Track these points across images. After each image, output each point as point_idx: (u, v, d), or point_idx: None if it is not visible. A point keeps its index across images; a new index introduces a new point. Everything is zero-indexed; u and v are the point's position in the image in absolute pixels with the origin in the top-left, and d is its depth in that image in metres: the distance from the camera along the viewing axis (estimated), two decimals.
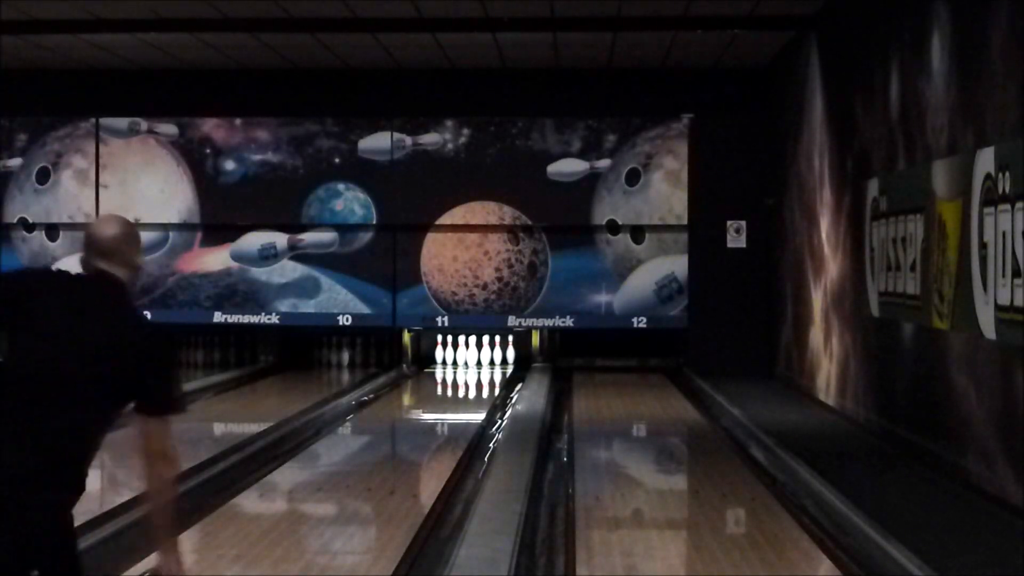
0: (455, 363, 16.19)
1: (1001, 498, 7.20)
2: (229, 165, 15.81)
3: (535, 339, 16.17)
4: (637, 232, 15.57)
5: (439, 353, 16.25)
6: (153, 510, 3.97)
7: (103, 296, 4.04)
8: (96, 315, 3.98)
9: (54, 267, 4.27)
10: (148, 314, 14.59)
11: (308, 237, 15.77)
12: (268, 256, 15.76)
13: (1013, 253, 6.94)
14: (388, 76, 15.55)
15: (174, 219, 15.70)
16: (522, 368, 15.80)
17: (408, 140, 15.71)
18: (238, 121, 15.84)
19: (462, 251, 15.68)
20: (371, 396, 13.49)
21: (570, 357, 16.15)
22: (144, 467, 4.00)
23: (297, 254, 15.80)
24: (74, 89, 15.69)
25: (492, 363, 16.18)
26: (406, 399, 14.25)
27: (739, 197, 15.24)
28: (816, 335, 12.45)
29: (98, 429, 3.95)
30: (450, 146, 15.70)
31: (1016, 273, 6.90)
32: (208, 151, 15.81)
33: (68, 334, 3.92)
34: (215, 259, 15.70)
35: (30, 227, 15.87)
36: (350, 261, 15.77)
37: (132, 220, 4.40)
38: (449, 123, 15.71)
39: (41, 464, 3.79)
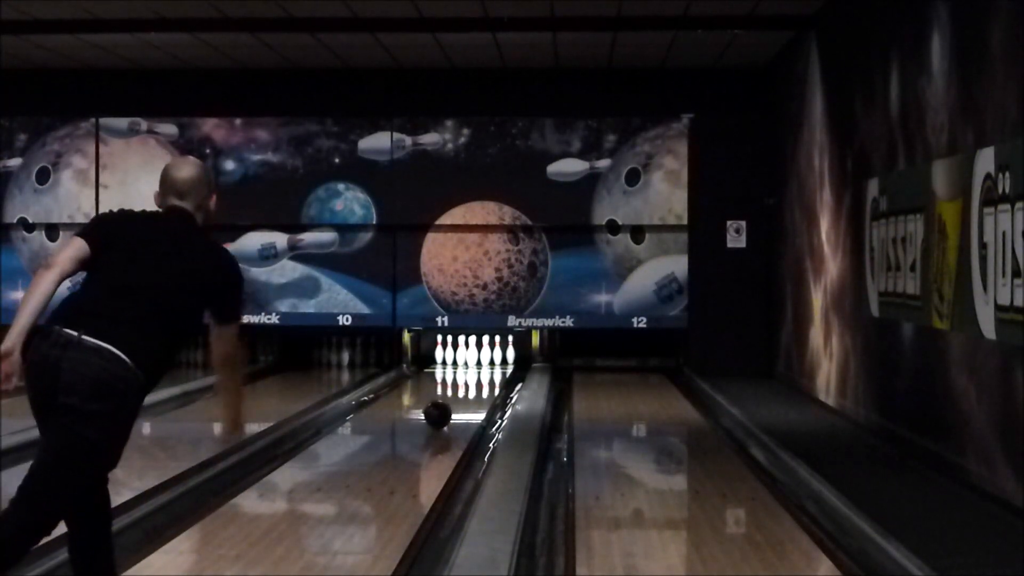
0: (455, 363, 16.19)
1: (1001, 498, 7.20)
2: (229, 165, 15.81)
3: (535, 339, 16.17)
4: (637, 232, 15.58)
5: (439, 353, 16.26)
6: (222, 385, 4.82)
7: (179, 227, 4.67)
8: (175, 241, 4.61)
9: (141, 211, 4.82)
10: None
11: (308, 237, 15.78)
12: (268, 256, 15.76)
13: (1013, 253, 6.94)
14: (388, 76, 15.55)
15: None
16: (522, 368, 15.80)
17: (408, 140, 15.71)
18: (238, 121, 15.84)
19: (462, 251, 15.68)
20: (371, 396, 13.49)
21: (570, 357, 16.15)
22: (216, 360, 4.75)
23: (297, 254, 15.80)
24: (74, 89, 15.69)
25: (492, 363, 16.19)
26: (406, 399, 14.24)
27: (739, 197, 15.24)
28: (816, 335, 12.45)
29: (173, 333, 4.55)
30: (450, 146, 15.71)
31: (1016, 273, 6.90)
32: (208, 151, 15.80)
33: (151, 256, 4.54)
34: None
35: (30, 227, 15.87)
36: (350, 261, 15.77)
37: None
38: (449, 123, 15.71)
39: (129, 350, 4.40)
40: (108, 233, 4.59)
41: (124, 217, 4.72)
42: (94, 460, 4.41)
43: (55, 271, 4.45)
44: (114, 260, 4.51)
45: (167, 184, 4.74)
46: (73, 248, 4.51)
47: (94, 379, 4.32)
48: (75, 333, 4.35)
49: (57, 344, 4.35)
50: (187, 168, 4.79)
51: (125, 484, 7.83)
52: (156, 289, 4.49)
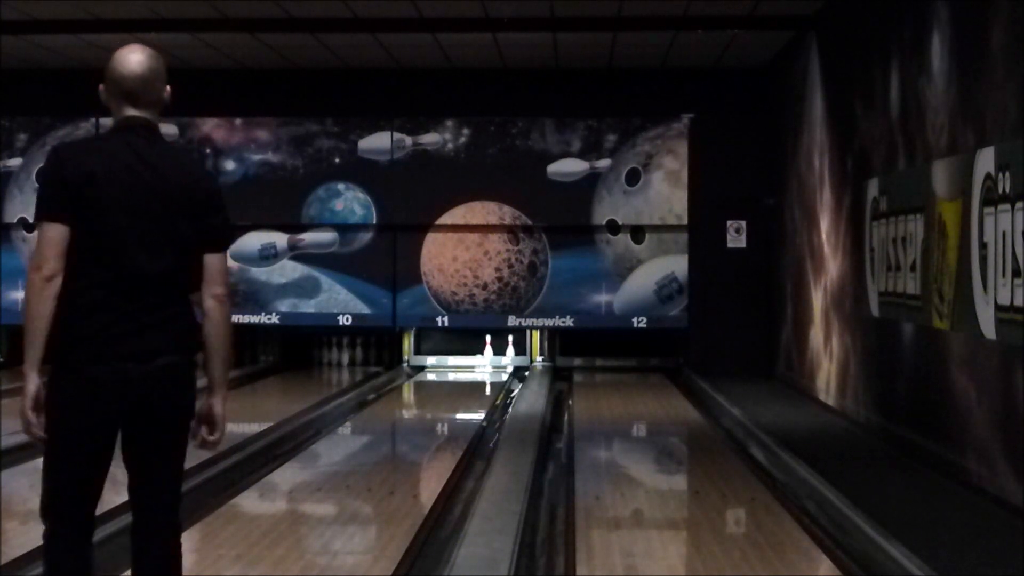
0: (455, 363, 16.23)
1: (1001, 498, 7.20)
2: (229, 165, 15.81)
3: (535, 339, 16.17)
4: (637, 232, 15.57)
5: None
6: (211, 345, 4.11)
7: (143, 149, 4.01)
8: (147, 174, 3.98)
9: (91, 138, 4.32)
10: None
11: (308, 237, 15.78)
12: (268, 256, 15.76)
13: (1013, 253, 6.95)
14: (388, 76, 15.55)
15: None
16: (522, 368, 15.80)
17: (408, 140, 15.71)
18: (238, 121, 15.84)
19: (462, 251, 15.68)
20: (371, 396, 13.49)
21: (570, 357, 16.15)
22: (207, 304, 4.10)
23: (297, 254, 15.80)
24: (74, 89, 15.59)
25: (492, 363, 16.19)
26: (406, 399, 14.25)
27: (739, 197, 15.25)
28: (816, 335, 12.45)
29: (182, 278, 4.05)
30: (450, 146, 15.71)
31: (1016, 273, 6.90)
32: (208, 151, 15.81)
33: (135, 215, 3.95)
34: None
35: (30, 227, 15.86)
36: (350, 261, 15.77)
37: None
38: (449, 123, 15.71)
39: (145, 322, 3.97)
40: (77, 201, 3.93)
41: (83, 168, 3.95)
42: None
43: (52, 285, 3.92)
44: (106, 237, 3.94)
45: (115, 86, 4.05)
46: (56, 245, 3.91)
47: (177, 379, 4.05)
48: (137, 342, 3.95)
49: (122, 357, 3.94)
50: (135, 61, 4.05)
51: (125, 484, 7.83)
52: (161, 258, 3.99)
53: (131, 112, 4.04)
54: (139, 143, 4.02)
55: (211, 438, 4.15)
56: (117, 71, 4.04)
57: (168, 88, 4.14)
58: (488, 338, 16.20)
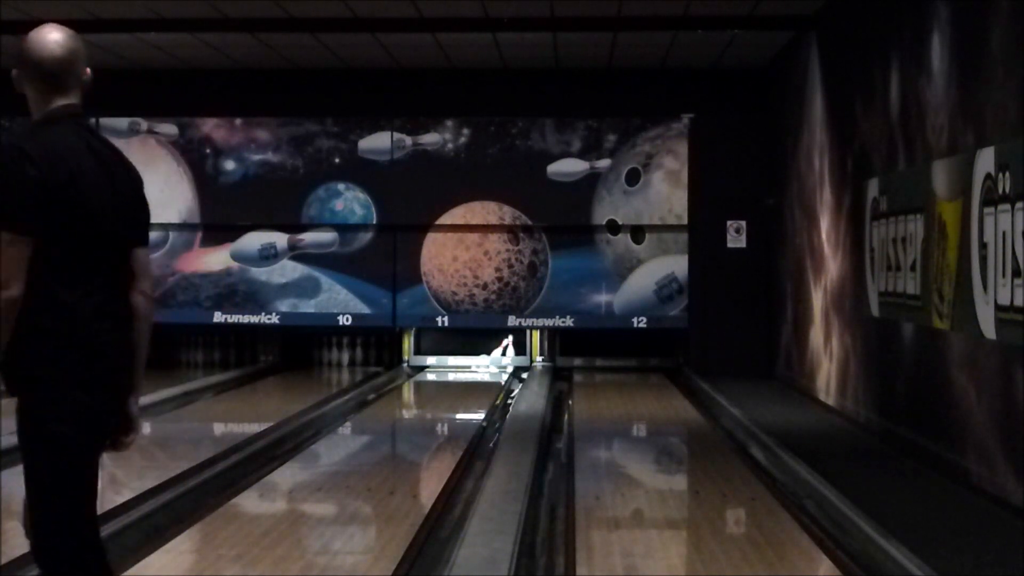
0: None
1: (1001, 498, 7.20)
2: (229, 165, 15.81)
3: (535, 339, 16.17)
4: (637, 232, 15.57)
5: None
6: (137, 344, 3.76)
7: (87, 141, 3.72)
8: (95, 170, 3.68)
9: (44, 132, 3.76)
10: None
11: (308, 237, 15.77)
12: (268, 256, 15.76)
13: (1013, 253, 6.95)
14: (388, 76, 15.55)
15: (174, 219, 15.69)
16: (522, 368, 15.80)
17: (408, 140, 15.71)
18: (238, 121, 15.84)
19: (462, 251, 15.68)
20: (371, 396, 13.49)
21: (570, 357, 16.16)
22: (136, 300, 3.75)
23: (297, 254, 15.80)
24: None
25: (492, 363, 16.19)
26: (406, 399, 14.24)
27: (739, 197, 15.25)
28: (816, 335, 12.45)
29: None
30: (450, 146, 15.70)
31: (1016, 273, 6.90)
32: (208, 151, 15.80)
33: (104, 202, 3.67)
34: (215, 259, 15.69)
35: None
36: (350, 261, 15.77)
37: None
38: (449, 123, 15.71)
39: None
40: (57, 205, 3.59)
41: (62, 167, 3.63)
42: None
43: (16, 308, 3.54)
44: (97, 239, 3.66)
45: (35, 70, 3.75)
46: (24, 262, 3.54)
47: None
48: (129, 347, 3.73)
49: (124, 362, 3.72)
50: (54, 41, 3.81)
51: (125, 484, 7.84)
52: (126, 257, 3.76)
53: (60, 101, 3.74)
54: (87, 136, 3.74)
55: (127, 439, 3.79)
56: (36, 53, 3.74)
57: (88, 70, 3.81)
58: (502, 339, 16.20)
